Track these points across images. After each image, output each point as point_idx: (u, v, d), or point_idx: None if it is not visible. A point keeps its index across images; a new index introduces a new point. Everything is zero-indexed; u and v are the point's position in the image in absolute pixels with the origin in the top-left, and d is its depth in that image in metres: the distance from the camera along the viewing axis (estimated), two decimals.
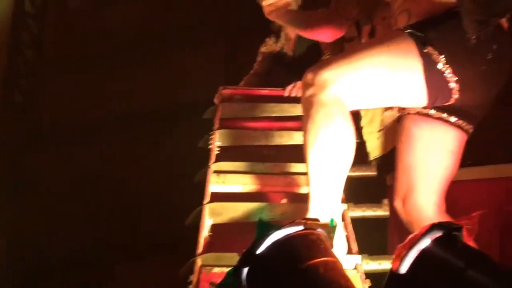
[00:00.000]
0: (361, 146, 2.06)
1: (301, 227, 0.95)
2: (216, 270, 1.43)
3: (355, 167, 1.97)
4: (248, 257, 0.94)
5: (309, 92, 1.46)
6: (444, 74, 1.45)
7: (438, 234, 0.87)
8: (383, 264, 1.53)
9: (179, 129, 3.33)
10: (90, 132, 4.32)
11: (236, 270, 0.95)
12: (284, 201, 1.91)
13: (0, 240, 4.01)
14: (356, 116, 2.23)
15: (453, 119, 1.58)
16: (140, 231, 3.73)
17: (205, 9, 4.52)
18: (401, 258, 0.83)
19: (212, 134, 2.11)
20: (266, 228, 0.94)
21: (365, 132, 2.11)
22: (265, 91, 2.49)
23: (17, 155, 4.39)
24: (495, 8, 1.38)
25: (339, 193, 1.51)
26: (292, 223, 0.95)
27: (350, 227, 1.63)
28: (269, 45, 2.96)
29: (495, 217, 2.65)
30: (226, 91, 2.46)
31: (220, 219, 1.68)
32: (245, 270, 0.95)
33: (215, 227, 1.67)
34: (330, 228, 0.99)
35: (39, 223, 3.88)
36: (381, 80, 1.47)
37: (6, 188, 4.07)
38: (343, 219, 1.67)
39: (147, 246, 3.57)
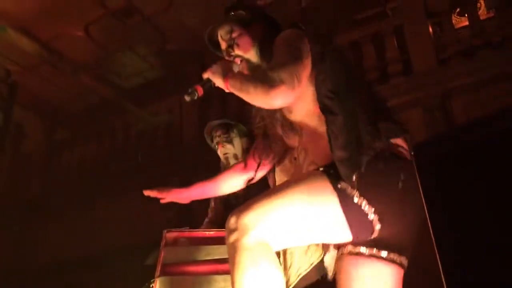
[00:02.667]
0: None
1: None
2: None
3: None
4: None
5: (233, 237, 1.47)
6: (362, 208, 1.49)
7: None
8: None
9: (122, 274, 3.19)
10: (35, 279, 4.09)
11: None
12: None
13: None
14: None
15: (384, 253, 1.57)
16: None
17: (158, 149, 4.62)
18: None
19: (152, 282, 2.01)
20: None
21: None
22: (211, 233, 2.44)
23: None
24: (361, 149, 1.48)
25: None
26: None
27: None
28: None
29: None
30: (171, 235, 2.39)
31: None
32: None
33: None
34: None
35: None
36: (302, 218, 1.50)
37: None
38: None
39: None
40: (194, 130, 4.59)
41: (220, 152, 2.89)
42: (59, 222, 4.33)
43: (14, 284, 4.20)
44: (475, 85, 4.54)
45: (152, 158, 4.53)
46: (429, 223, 1.42)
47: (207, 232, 2.46)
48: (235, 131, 2.90)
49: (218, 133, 2.90)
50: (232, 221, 1.49)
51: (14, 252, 4.45)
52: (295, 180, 1.61)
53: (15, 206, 4.84)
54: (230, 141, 2.88)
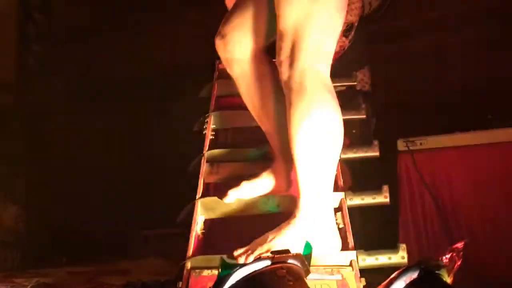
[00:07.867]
0: (357, 125, 1.95)
1: (267, 262, 0.88)
2: (205, 273, 1.39)
3: (356, 148, 1.87)
4: None
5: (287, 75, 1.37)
6: None
7: (414, 275, 0.79)
8: (381, 259, 1.45)
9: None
10: (98, 97, 4.32)
11: None
12: None
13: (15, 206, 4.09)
14: None
15: None
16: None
17: None
18: None
19: (207, 117, 2.01)
20: (229, 266, 0.88)
21: None
22: None
23: (32, 119, 4.40)
24: None
25: (332, 181, 1.43)
26: (258, 259, 0.88)
27: (347, 219, 1.55)
28: None
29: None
30: (224, 66, 2.33)
31: (213, 214, 1.62)
32: None
33: (208, 223, 1.62)
34: (303, 258, 0.92)
35: (56, 186, 3.98)
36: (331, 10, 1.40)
37: (20, 153, 4.12)
38: (340, 209, 1.59)
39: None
40: None
41: None
42: (113, 44, 4.38)
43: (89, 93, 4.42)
44: None
45: None
46: None
47: None
48: None
49: None
50: (284, 67, 1.38)
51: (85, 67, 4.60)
52: None
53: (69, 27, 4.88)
54: None
